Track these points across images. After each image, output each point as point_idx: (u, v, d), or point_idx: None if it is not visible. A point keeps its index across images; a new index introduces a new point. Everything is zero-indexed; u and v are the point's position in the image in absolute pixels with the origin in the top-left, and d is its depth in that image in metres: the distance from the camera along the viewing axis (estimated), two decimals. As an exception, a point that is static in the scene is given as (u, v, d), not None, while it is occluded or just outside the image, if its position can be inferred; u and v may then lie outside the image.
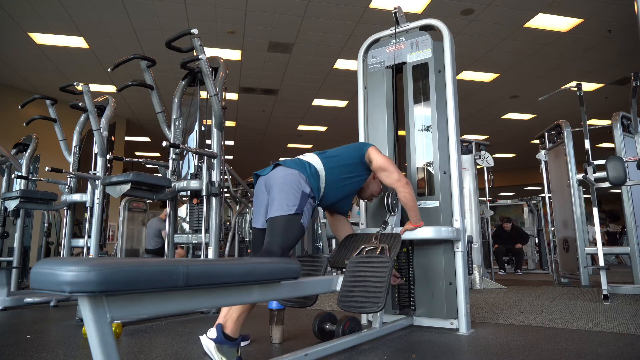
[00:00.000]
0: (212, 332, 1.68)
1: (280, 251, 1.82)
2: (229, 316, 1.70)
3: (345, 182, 2.19)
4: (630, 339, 2.17)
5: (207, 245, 3.18)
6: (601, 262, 3.67)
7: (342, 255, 2.28)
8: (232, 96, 9.16)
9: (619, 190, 4.59)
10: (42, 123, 4.22)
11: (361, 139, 2.90)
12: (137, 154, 13.63)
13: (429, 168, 2.61)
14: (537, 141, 5.99)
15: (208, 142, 3.49)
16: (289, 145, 13.30)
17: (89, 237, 3.47)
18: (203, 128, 3.69)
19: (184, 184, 3.30)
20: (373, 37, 2.95)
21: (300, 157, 2.15)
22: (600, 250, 3.75)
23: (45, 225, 5.53)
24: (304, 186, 1.94)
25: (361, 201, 2.83)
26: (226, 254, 5.10)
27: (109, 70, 3.22)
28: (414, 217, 2.29)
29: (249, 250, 2.63)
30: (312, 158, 2.13)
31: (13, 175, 4.24)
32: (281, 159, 2.15)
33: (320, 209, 6.91)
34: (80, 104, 3.73)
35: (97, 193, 3.45)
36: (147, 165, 4.11)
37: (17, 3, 5.56)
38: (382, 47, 2.89)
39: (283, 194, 1.89)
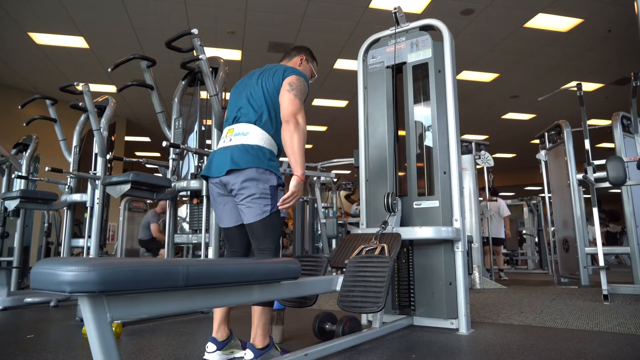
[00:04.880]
0: (249, 354, 1.68)
1: (274, 249, 1.78)
2: (255, 333, 1.70)
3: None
4: (630, 339, 2.17)
5: (207, 245, 3.18)
6: (601, 262, 3.67)
7: (342, 255, 2.28)
8: (232, 96, 9.14)
9: (619, 190, 4.59)
10: (42, 123, 4.22)
11: (361, 139, 2.89)
12: (137, 154, 13.62)
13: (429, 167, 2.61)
14: (537, 141, 5.99)
15: (208, 142, 3.49)
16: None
17: (89, 237, 3.47)
18: (203, 128, 3.69)
19: (184, 184, 3.30)
20: (373, 37, 2.95)
21: (238, 136, 1.82)
22: (600, 250, 3.75)
23: (45, 225, 5.53)
24: (268, 180, 1.76)
25: (361, 201, 2.83)
26: (226, 254, 5.09)
27: (109, 70, 3.21)
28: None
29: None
30: (254, 134, 1.81)
31: (13, 175, 4.24)
32: (221, 145, 1.88)
33: (320, 211, 6.94)
34: (80, 104, 3.73)
35: (97, 193, 3.45)
36: (147, 165, 4.11)
37: (17, 3, 5.56)
38: (382, 47, 2.89)
39: (253, 202, 1.75)
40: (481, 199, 6.46)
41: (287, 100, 1.78)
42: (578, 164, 4.94)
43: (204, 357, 1.81)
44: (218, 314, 1.85)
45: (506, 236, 6.70)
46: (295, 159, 1.72)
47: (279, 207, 1.75)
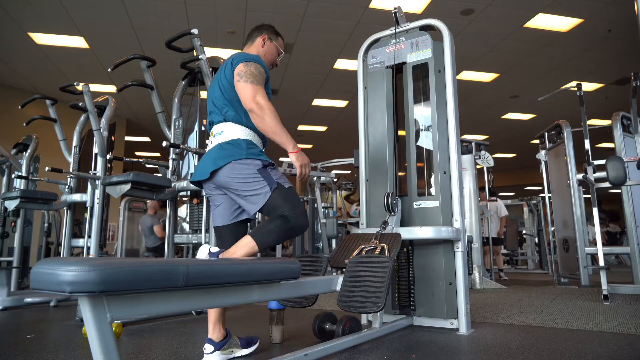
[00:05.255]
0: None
1: (293, 214, 1.71)
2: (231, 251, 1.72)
3: None
4: (630, 338, 2.17)
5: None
6: (601, 262, 3.67)
7: (342, 255, 2.28)
8: (232, 96, 9.14)
9: (619, 190, 4.59)
10: (42, 123, 4.22)
11: (361, 139, 2.89)
12: (137, 154, 13.62)
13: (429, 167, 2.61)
14: (537, 141, 5.99)
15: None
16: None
17: (89, 237, 3.47)
18: (203, 128, 3.69)
19: (184, 184, 3.30)
20: (373, 37, 2.95)
21: (216, 137, 1.86)
22: (600, 250, 3.75)
23: (45, 225, 5.52)
24: (251, 166, 1.75)
25: (361, 201, 2.83)
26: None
27: (109, 70, 3.22)
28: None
29: None
30: (227, 130, 1.83)
31: (13, 175, 4.24)
32: (207, 149, 1.95)
33: (320, 211, 6.93)
34: (80, 104, 3.73)
35: (97, 193, 3.45)
36: (147, 165, 4.11)
37: (17, 3, 5.56)
38: (382, 47, 2.89)
39: (248, 190, 1.74)
40: (480, 199, 6.47)
41: (241, 90, 1.77)
42: (578, 164, 4.94)
43: (203, 358, 1.81)
44: (212, 314, 1.84)
45: (498, 235, 6.70)
46: (280, 139, 1.72)
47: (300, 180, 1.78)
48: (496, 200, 6.78)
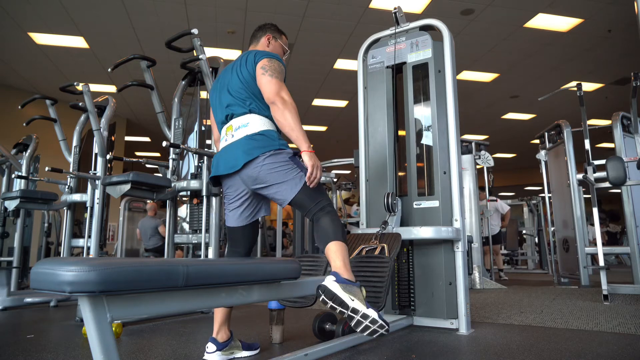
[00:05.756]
0: (329, 279, 1.59)
1: (329, 204, 1.73)
2: (338, 268, 1.63)
3: None
4: (630, 339, 2.17)
5: (207, 245, 3.18)
6: (601, 262, 3.67)
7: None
8: (232, 96, 9.15)
9: (619, 190, 4.59)
10: (42, 123, 4.22)
11: (361, 139, 2.89)
12: (137, 154, 13.63)
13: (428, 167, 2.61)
14: (537, 141, 5.99)
15: (208, 142, 3.49)
16: (289, 145, 13.30)
17: (89, 237, 3.47)
18: (203, 128, 3.69)
19: (184, 184, 3.30)
20: (373, 37, 2.95)
21: (239, 130, 1.79)
22: (600, 250, 3.75)
23: (45, 225, 5.53)
24: (283, 154, 1.74)
25: (361, 201, 2.83)
26: (226, 254, 5.09)
27: (109, 70, 3.22)
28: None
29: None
30: (254, 122, 1.79)
31: (13, 175, 4.24)
32: (223, 144, 1.86)
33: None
34: (80, 104, 3.73)
35: (97, 193, 3.45)
36: (147, 165, 4.11)
37: (17, 3, 5.56)
38: (382, 47, 2.89)
39: (283, 178, 1.71)
40: (480, 198, 6.47)
41: (265, 83, 1.76)
42: (578, 164, 4.94)
43: (204, 357, 1.81)
44: (219, 315, 1.83)
45: (501, 227, 6.71)
46: (296, 135, 1.70)
47: (309, 185, 1.71)
48: (496, 200, 6.78)
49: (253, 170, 1.72)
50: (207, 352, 1.80)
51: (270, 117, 1.81)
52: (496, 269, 6.83)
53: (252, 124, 1.79)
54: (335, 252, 1.65)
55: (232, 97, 1.86)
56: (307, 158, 1.71)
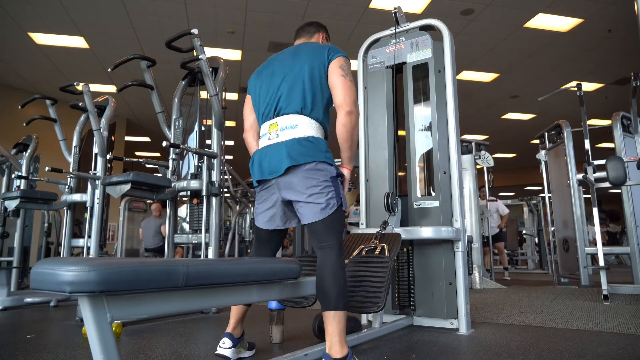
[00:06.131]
0: None
1: (337, 245, 1.63)
2: (332, 342, 1.53)
3: (330, 104, 1.79)
4: (630, 339, 2.17)
5: (207, 245, 3.18)
6: (601, 262, 3.67)
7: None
8: (232, 96, 9.15)
9: (619, 190, 4.59)
10: (42, 123, 4.22)
11: (361, 138, 2.89)
12: (137, 154, 13.62)
13: (428, 166, 2.61)
14: (537, 141, 5.99)
15: (208, 142, 3.49)
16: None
17: (89, 237, 3.47)
18: (203, 128, 3.69)
19: (184, 184, 3.30)
20: (373, 37, 2.95)
21: (285, 131, 1.66)
22: (600, 250, 3.75)
23: (45, 225, 5.53)
24: (328, 172, 1.62)
25: (361, 201, 2.83)
26: (226, 254, 5.10)
27: (109, 70, 3.21)
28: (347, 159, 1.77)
29: (248, 250, 2.53)
30: (304, 125, 1.66)
31: (13, 175, 4.24)
32: (265, 143, 1.72)
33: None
34: (80, 104, 3.73)
35: (97, 193, 3.45)
36: (147, 165, 4.11)
37: (17, 3, 5.56)
38: (382, 47, 2.89)
39: (314, 198, 1.60)
40: (480, 197, 6.49)
41: (345, 87, 1.65)
42: (578, 164, 4.94)
43: (217, 352, 1.77)
44: (236, 311, 1.80)
45: (499, 227, 6.72)
46: (349, 151, 1.68)
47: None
48: (496, 200, 6.79)
49: (292, 177, 1.62)
50: (221, 347, 1.76)
51: (321, 123, 1.70)
52: (501, 267, 6.84)
53: (301, 126, 1.66)
54: (332, 325, 1.52)
55: (287, 90, 1.71)
56: (347, 174, 1.73)
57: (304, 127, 1.66)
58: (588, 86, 8.50)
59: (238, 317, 1.81)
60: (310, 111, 1.68)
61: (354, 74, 2.99)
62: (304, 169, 1.61)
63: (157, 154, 13.64)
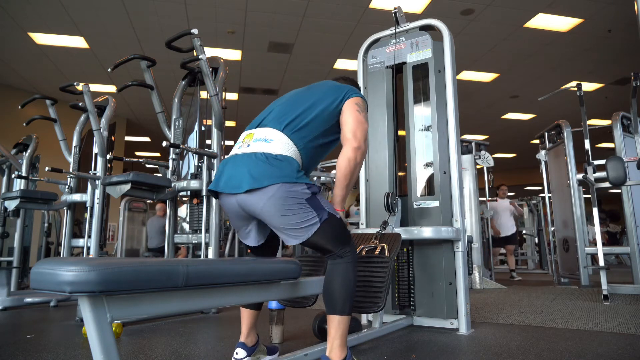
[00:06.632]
0: None
1: (348, 252, 1.54)
2: (333, 345, 1.46)
3: (322, 150, 1.64)
4: (630, 339, 2.17)
5: (207, 245, 3.18)
6: (601, 262, 3.67)
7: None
8: (232, 96, 9.16)
9: (619, 190, 4.59)
10: (42, 123, 4.22)
11: (361, 139, 2.88)
12: (137, 154, 13.63)
13: (429, 168, 2.61)
14: (537, 141, 5.99)
15: (208, 142, 3.49)
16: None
17: (89, 237, 3.47)
18: (203, 128, 3.69)
19: (184, 184, 3.30)
20: (373, 37, 2.95)
21: (257, 143, 1.49)
22: (600, 250, 3.75)
23: (45, 225, 5.53)
24: (301, 193, 1.44)
25: (361, 201, 2.83)
26: (226, 254, 5.10)
27: (109, 70, 3.22)
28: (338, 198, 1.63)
29: (248, 250, 2.54)
30: (278, 141, 1.48)
31: (13, 175, 4.24)
32: (235, 151, 1.56)
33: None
34: (80, 104, 3.73)
35: (97, 193, 3.45)
36: (147, 165, 4.11)
37: (17, 3, 5.56)
38: (382, 47, 2.89)
39: (291, 223, 1.44)
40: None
41: (358, 122, 1.55)
42: (578, 164, 4.94)
43: None
44: (247, 317, 1.70)
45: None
46: (347, 193, 1.55)
47: None
48: (508, 199, 6.75)
49: (256, 203, 1.43)
50: (235, 358, 1.66)
51: (300, 149, 1.52)
52: (507, 268, 6.82)
53: (275, 142, 1.48)
54: (336, 328, 1.47)
55: (283, 106, 1.61)
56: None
57: (278, 144, 1.48)
58: (588, 86, 8.50)
59: (249, 324, 1.71)
60: (292, 132, 1.51)
61: (354, 74, 3.00)
62: (271, 192, 1.41)
63: (157, 154, 13.65)
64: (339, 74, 1.97)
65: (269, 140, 1.49)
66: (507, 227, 6.55)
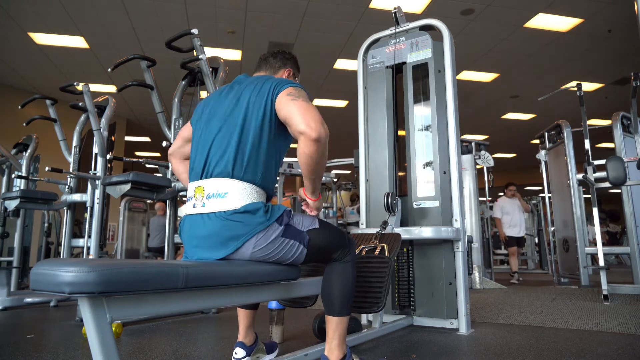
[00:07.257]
0: None
1: (346, 253, 1.54)
2: (332, 345, 1.47)
3: (280, 156, 1.53)
4: (630, 339, 2.17)
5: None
6: (601, 262, 3.67)
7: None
8: (232, 96, 9.15)
9: (619, 190, 4.59)
10: (42, 123, 4.22)
11: (361, 138, 2.89)
12: (137, 154, 13.63)
13: (429, 168, 2.61)
14: (537, 141, 6.00)
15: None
16: (290, 146, 13.31)
17: (89, 237, 3.47)
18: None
19: (184, 184, 3.29)
20: (373, 37, 2.95)
21: (212, 200, 1.37)
22: (600, 250, 3.75)
23: (45, 225, 5.53)
24: (277, 233, 1.38)
25: (361, 201, 2.83)
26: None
27: (109, 70, 3.21)
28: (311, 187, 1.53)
29: None
30: (235, 193, 1.36)
31: (13, 175, 4.24)
32: (190, 210, 1.45)
33: (320, 212, 6.91)
34: (80, 104, 3.73)
35: (97, 193, 3.45)
36: (147, 165, 4.11)
37: (17, 3, 5.56)
38: (382, 47, 2.89)
39: (281, 261, 1.44)
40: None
41: (301, 108, 1.34)
42: (578, 164, 4.94)
43: None
44: (244, 317, 1.71)
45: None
46: (317, 184, 1.48)
47: None
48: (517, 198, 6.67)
49: (241, 258, 1.39)
50: (235, 358, 1.68)
51: (260, 185, 1.41)
52: (509, 269, 6.80)
53: (231, 194, 1.36)
54: (334, 329, 1.47)
55: (219, 142, 1.42)
56: (313, 204, 1.55)
57: (235, 195, 1.36)
58: (588, 86, 8.50)
59: (246, 323, 1.72)
60: (244, 172, 1.38)
61: (354, 74, 3.00)
62: (249, 247, 1.35)
63: (157, 154, 13.64)
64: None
65: (224, 195, 1.36)
66: (522, 226, 6.47)
